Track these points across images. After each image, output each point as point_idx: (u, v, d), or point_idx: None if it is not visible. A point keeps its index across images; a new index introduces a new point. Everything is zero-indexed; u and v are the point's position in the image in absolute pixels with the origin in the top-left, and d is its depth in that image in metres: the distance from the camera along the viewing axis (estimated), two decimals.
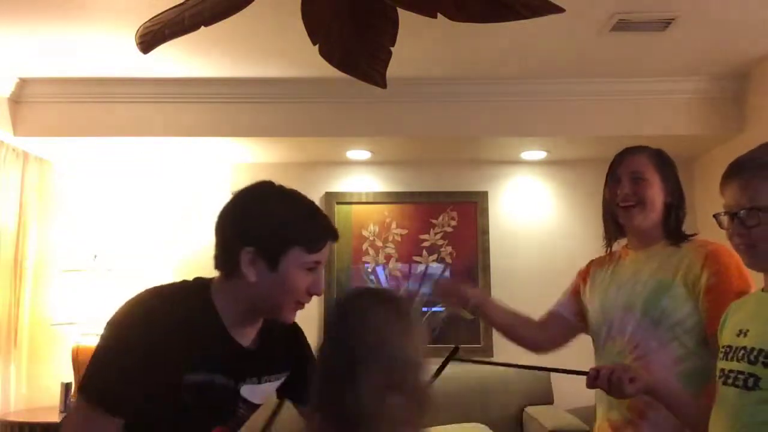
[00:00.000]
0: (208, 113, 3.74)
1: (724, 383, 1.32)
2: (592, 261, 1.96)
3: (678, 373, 1.62)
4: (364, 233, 4.25)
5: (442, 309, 4.14)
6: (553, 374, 2.93)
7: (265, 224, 1.31)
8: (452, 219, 4.28)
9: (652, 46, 3.26)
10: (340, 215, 4.26)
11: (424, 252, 4.24)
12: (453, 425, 3.52)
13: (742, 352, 1.29)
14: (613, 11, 2.89)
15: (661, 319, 1.65)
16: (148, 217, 4.09)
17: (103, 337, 1.28)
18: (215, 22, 1.75)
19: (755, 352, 1.26)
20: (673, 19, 2.97)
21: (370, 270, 4.23)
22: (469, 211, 4.28)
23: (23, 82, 3.66)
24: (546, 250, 4.18)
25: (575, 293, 1.95)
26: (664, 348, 1.64)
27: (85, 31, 3.07)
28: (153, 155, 4.10)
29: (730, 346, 1.35)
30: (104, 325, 1.29)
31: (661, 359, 1.64)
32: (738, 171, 1.37)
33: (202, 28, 1.76)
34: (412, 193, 4.30)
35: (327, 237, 1.34)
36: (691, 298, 1.64)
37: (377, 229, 4.26)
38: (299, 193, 1.38)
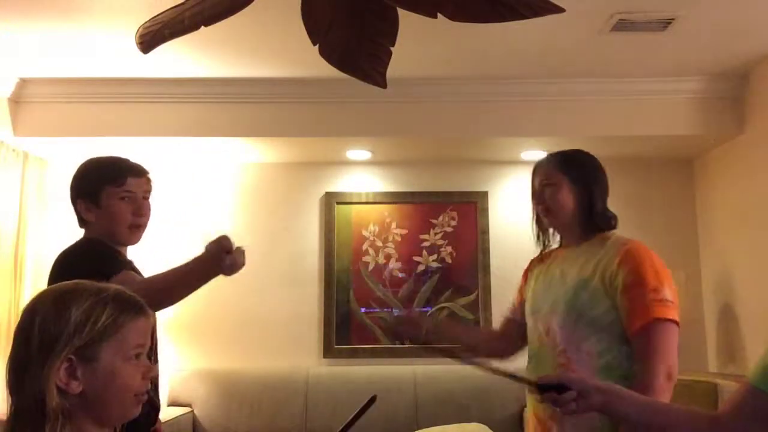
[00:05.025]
0: (208, 113, 3.75)
1: None
2: (533, 259, 2.02)
3: (599, 367, 1.65)
4: (364, 233, 4.25)
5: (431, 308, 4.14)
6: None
7: (82, 178, 1.83)
8: (452, 219, 4.28)
9: (652, 46, 3.26)
10: (340, 215, 4.26)
11: (424, 252, 4.24)
12: (453, 425, 3.52)
13: None
14: (613, 11, 2.89)
15: (581, 315, 1.70)
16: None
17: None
18: (215, 22, 1.75)
19: None
20: (673, 19, 2.97)
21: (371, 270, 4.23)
22: (469, 211, 4.28)
23: (23, 82, 3.66)
24: None
25: (520, 294, 2.02)
26: (584, 343, 1.68)
27: (85, 31, 3.07)
28: (153, 155, 4.10)
29: None
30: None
31: (582, 354, 1.68)
32: None
33: (202, 28, 1.76)
34: (412, 193, 4.30)
35: (128, 173, 1.80)
36: (608, 296, 1.68)
37: (377, 229, 4.26)
38: (109, 155, 1.88)
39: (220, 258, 1.64)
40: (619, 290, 1.66)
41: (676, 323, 1.63)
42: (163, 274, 1.68)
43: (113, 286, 1.10)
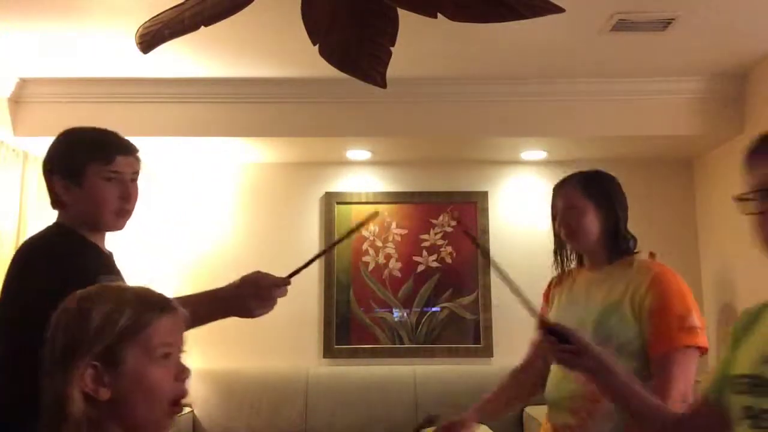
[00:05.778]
0: (208, 113, 3.74)
1: (757, 426, 1.05)
2: (551, 281, 2.01)
3: None
4: (364, 233, 4.25)
5: (439, 308, 4.15)
6: None
7: (62, 152, 1.58)
8: (452, 219, 4.28)
9: (652, 46, 3.26)
10: (340, 215, 4.26)
11: (424, 252, 4.24)
12: None
13: None
14: (613, 11, 2.89)
15: (609, 339, 1.68)
16: (148, 218, 4.10)
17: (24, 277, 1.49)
18: (215, 22, 1.75)
19: None
20: (673, 19, 2.97)
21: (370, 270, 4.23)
22: (469, 211, 4.28)
23: (23, 82, 3.66)
24: (546, 250, 4.14)
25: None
26: None
27: (85, 31, 3.07)
28: (152, 155, 4.10)
29: (758, 377, 1.07)
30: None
31: None
32: None
33: (202, 28, 1.76)
34: (412, 193, 4.30)
35: (117, 150, 1.59)
36: (636, 320, 1.68)
37: (377, 229, 4.26)
38: (94, 127, 1.64)
39: (250, 301, 1.53)
40: (646, 314, 1.66)
41: (700, 348, 1.64)
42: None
43: (137, 285, 1.07)
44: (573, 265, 1.95)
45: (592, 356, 1.31)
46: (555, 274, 2.00)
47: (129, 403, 0.99)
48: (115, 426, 0.99)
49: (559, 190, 1.91)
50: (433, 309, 4.17)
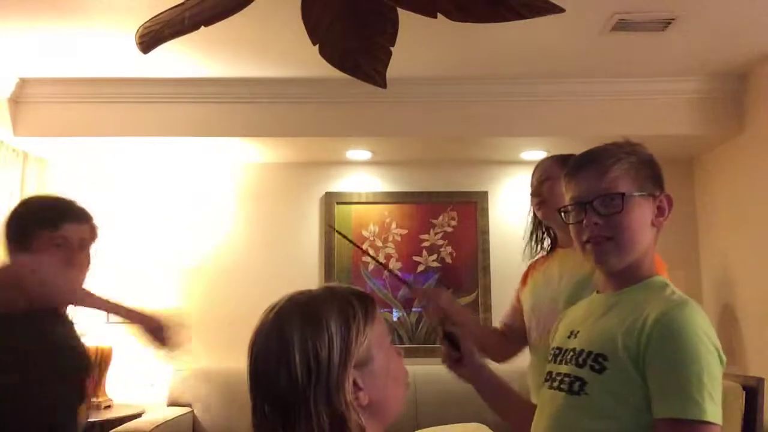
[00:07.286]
0: (208, 113, 3.74)
1: (551, 387, 1.26)
2: (531, 264, 2.05)
3: None
4: (364, 233, 4.25)
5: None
6: None
7: (14, 219, 1.64)
8: (452, 219, 4.28)
9: (652, 46, 3.27)
10: (340, 215, 4.26)
11: (424, 252, 4.24)
12: (453, 425, 3.52)
13: (571, 354, 1.24)
14: (613, 11, 2.90)
15: None
16: (148, 218, 4.10)
17: None
18: (215, 22, 1.75)
19: (583, 355, 1.20)
20: (673, 19, 2.97)
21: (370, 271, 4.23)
22: (469, 211, 4.28)
23: (23, 82, 3.66)
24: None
25: (517, 300, 2.04)
26: None
27: (85, 31, 3.07)
28: (153, 155, 4.10)
29: (560, 348, 1.30)
30: None
31: None
32: (594, 159, 1.35)
33: (202, 28, 1.77)
34: (412, 193, 4.30)
35: (64, 218, 1.62)
36: None
37: (377, 229, 4.26)
38: (50, 196, 1.73)
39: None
40: None
41: None
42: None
43: (338, 284, 1.03)
44: (546, 244, 2.00)
45: (472, 367, 1.46)
46: (534, 258, 2.04)
47: (383, 399, 0.99)
48: (375, 422, 0.98)
49: (536, 167, 1.96)
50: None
